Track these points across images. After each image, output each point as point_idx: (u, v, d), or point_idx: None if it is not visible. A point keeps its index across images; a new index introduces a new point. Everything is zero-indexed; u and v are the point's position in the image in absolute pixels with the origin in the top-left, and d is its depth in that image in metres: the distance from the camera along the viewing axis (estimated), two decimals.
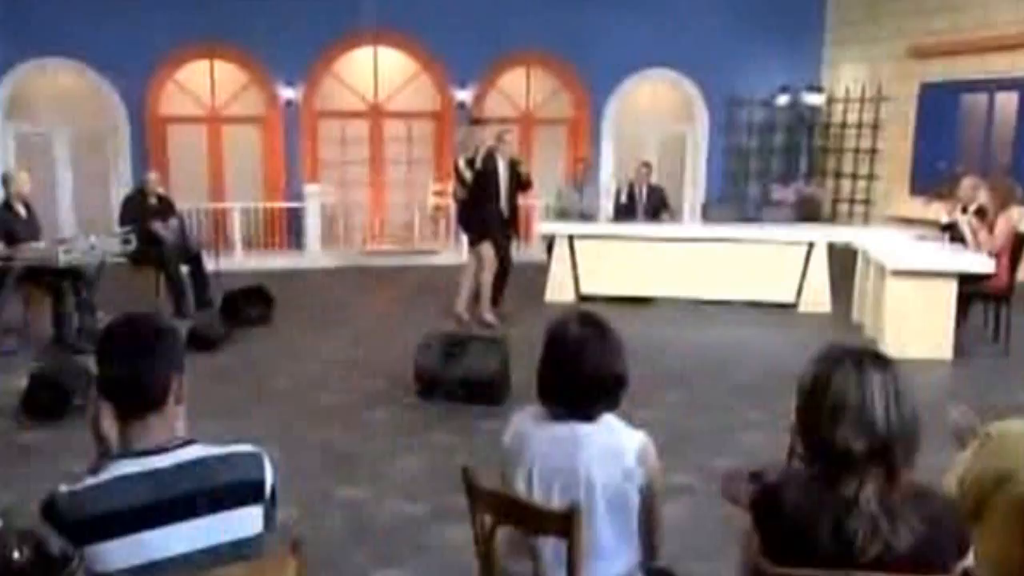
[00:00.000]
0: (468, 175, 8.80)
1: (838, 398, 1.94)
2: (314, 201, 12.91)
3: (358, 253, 13.31)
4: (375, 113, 14.31)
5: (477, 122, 9.43)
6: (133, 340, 2.08)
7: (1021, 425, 2.45)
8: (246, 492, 2.10)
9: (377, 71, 14.18)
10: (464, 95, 13.99)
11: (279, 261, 12.75)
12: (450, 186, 8.98)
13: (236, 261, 12.30)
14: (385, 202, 14.45)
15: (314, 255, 12.94)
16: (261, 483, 2.14)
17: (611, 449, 2.55)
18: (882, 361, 1.98)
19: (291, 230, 13.31)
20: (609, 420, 2.60)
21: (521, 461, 2.61)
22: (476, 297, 9.06)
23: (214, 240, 11.96)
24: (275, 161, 13.76)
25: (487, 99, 14.43)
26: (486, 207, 8.90)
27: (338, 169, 14.25)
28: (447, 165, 14.21)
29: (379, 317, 9.43)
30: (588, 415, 2.58)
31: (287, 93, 13.40)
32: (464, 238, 13.26)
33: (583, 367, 2.55)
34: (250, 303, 8.93)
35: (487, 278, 8.97)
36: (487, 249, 8.94)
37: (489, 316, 8.92)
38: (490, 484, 2.61)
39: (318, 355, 7.80)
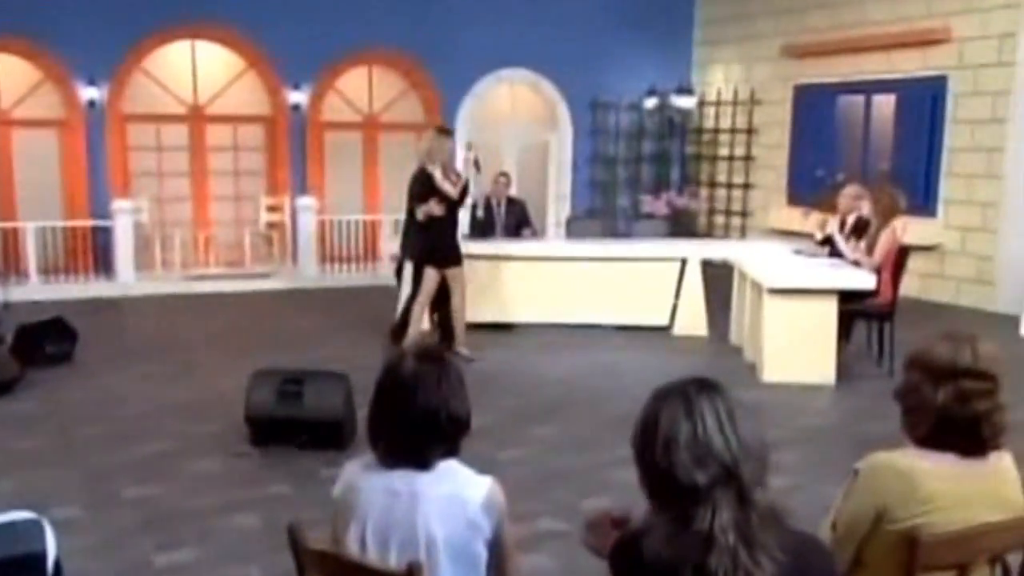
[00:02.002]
0: (449, 189, 8.69)
1: (669, 432, 2.01)
2: (125, 219, 12.50)
3: (179, 278, 12.97)
4: (195, 117, 14.02)
5: (445, 132, 9.24)
6: None
7: (888, 457, 2.60)
8: (24, 567, 2.00)
9: (196, 69, 13.91)
10: (299, 97, 13.89)
11: (84, 289, 12.28)
12: (429, 206, 8.67)
13: (31, 290, 11.81)
14: (210, 219, 14.15)
15: (127, 282, 12.52)
16: (42, 555, 2.03)
17: (453, 499, 2.56)
18: (710, 387, 2.08)
19: (98, 253, 12.84)
20: (450, 467, 2.62)
21: (353, 517, 2.60)
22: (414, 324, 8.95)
23: (3, 266, 11.45)
24: (77, 172, 13.27)
25: (325, 102, 14.35)
26: (452, 229, 8.94)
27: (154, 181, 13.87)
28: (281, 176, 14.08)
29: (205, 351, 9.21)
30: (422, 462, 2.58)
31: (89, 93, 12.97)
32: (308, 258, 13.24)
33: (415, 407, 2.56)
34: (49, 338, 8.58)
35: (424, 304, 8.92)
36: (434, 275, 8.87)
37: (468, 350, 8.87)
38: (323, 543, 2.60)
39: (133, 397, 7.56)
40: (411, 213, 8.88)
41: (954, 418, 2.54)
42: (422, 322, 8.99)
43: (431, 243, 8.81)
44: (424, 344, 2.75)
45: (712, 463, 1.97)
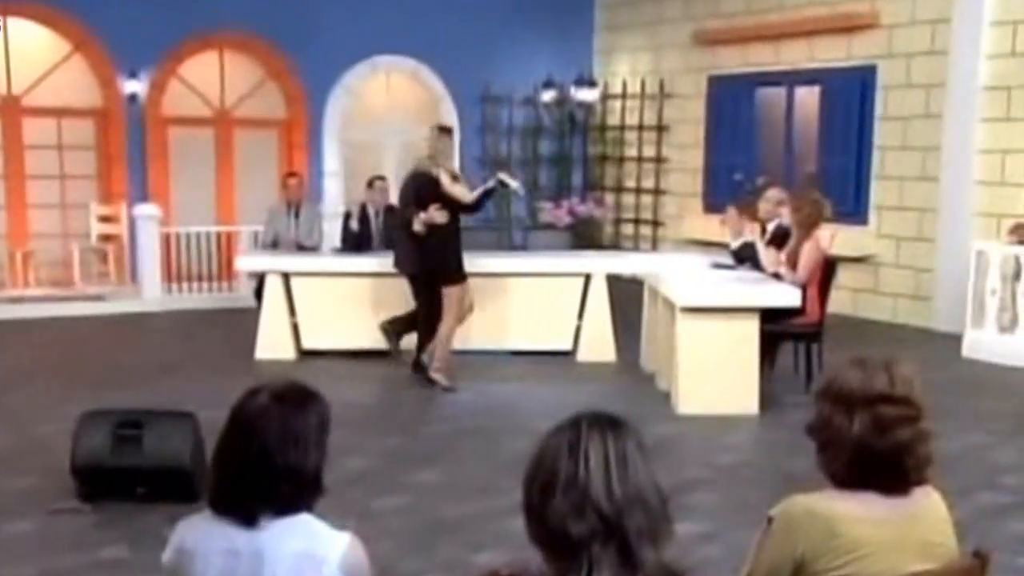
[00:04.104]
0: (460, 192, 8.79)
1: (549, 471, 2.02)
2: None
3: None
4: (10, 109, 13.70)
5: (447, 130, 9.28)
6: None
7: (805, 502, 2.65)
8: None
9: (9, 52, 13.57)
10: (136, 87, 13.68)
11: None
12: (431, 213, 8.59)
13: None
14: (29, 231, 13.80)
15: None
16: None
17: (305, 558, 2.54)
18: (608, 423, 2.08)
19: None
20: (301, 520, 2.60)
21: None
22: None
23: None
24: None
25: (168, 93, 14.13)
26: (456, 239, 9.00)
27: None
28: (117, 181, 13.80)
29: (22, 390, 8.96)
30: (246, 516, 2.55)
31: None
32: (151, 277, 12.97)
33: (246, 449, 2.55)
34: None
35: (452, 327, 8.97)
36: (459, 291, 8.95)
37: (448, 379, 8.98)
38: None
39: None
40: (406, 223, 8.87)
41: (873, 450, 2.60)
42: (450, 344, 9.06)
43: (435, 256, 8.85)
44: (290, 380, 2.72)
45: (590, 513, 1.96)
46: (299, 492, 2.59)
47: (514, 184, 9.51)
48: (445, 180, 8.82)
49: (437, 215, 8.70)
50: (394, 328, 9.53)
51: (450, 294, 8.94)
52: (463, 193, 8.90)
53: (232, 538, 2.55)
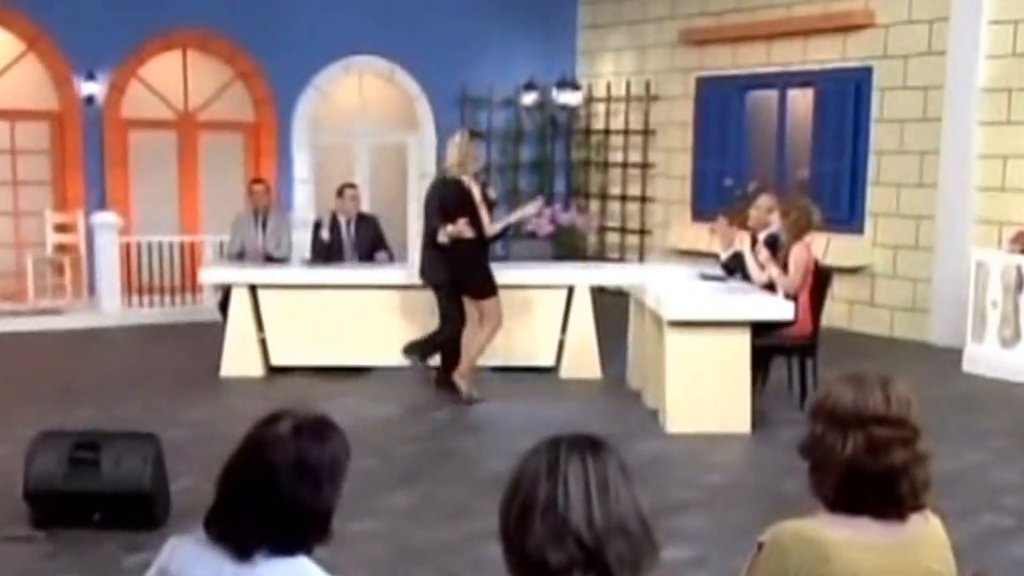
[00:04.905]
0: (486, 219, 8.85)
1: (528, 496, 2.01)
2: None
3: None
4: None
5: (478, 135, 9.46)
6: None
7: (796, 527, 2.64)
8: None
9: None
10: (93, 88, 13.61)
11: None
12: (459, 226, 8.66)
13: None
14: None
15: None
16: None
17: None
18: (588, 446, 2.07)
19: None
20: (297, 565, 2.55)
21: None
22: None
23: None
24: None
25: (128, 94, 14.09)
26: (485, 250, 9.12)
27: None
28: (73, 187, 13.75)
29: None
30: (237, 545, 2.51)
31: None
32: (110, 290, 12.92)
33: (251, 473, 2.53)
34: None
35: (490, 338, 9.09)
36: (497, 303, 9.03)
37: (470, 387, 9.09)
38: None
39: None
40: (431, 233, 8.93)
41: (865, 473, 2.58)
42: (481, 355, 9.21)
43: (462, 266, 8.90)
44: (314, 412, 2.70)
45: (569, 541, 1.96)
46: (301, 531, 2.55)
47: (531, 211, 9.92)
48: (477, 196, 8.89)
49: (466, 229, 8.73)
50: (419, 350, 9.38)
51: (488, 306, 9.02)
52: (486, 221, 8.94)
53: (219, 570, 2.51)
